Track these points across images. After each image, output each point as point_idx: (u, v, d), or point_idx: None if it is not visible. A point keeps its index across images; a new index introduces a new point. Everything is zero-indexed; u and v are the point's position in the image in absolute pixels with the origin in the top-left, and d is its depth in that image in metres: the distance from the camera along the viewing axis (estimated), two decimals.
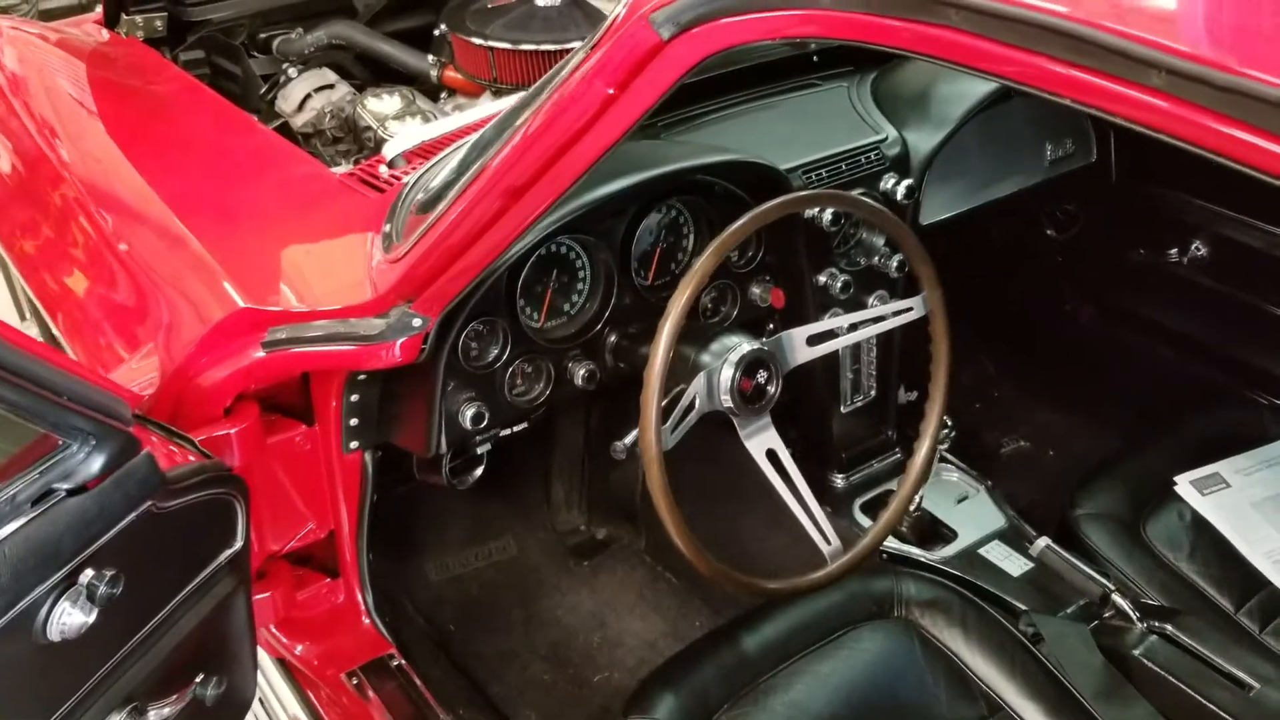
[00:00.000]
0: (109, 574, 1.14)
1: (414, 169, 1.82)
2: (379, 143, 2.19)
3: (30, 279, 2.10)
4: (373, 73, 2.62)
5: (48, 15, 4.94)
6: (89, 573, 1.14)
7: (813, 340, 1.62)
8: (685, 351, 1.58)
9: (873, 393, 2.09)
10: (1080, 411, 2.54)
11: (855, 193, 1.89)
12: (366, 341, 1.48)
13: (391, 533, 2.18)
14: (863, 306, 1.97)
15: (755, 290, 1.88)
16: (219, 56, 2.64)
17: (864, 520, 2.03)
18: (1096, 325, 2.64)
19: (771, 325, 1.95)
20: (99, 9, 2.74)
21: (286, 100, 2.46)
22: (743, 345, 1.56)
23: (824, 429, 2.08)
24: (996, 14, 0.89)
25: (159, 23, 2.58)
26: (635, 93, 1.16)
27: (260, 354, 1.53)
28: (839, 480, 2.11)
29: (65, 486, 1.14)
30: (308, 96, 2.44)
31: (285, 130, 2.41)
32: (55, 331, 2.02)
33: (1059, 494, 2.01)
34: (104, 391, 1.16)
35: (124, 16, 2.55)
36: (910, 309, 1.67)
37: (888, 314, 1.69)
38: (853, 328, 1.68)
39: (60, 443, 1.13)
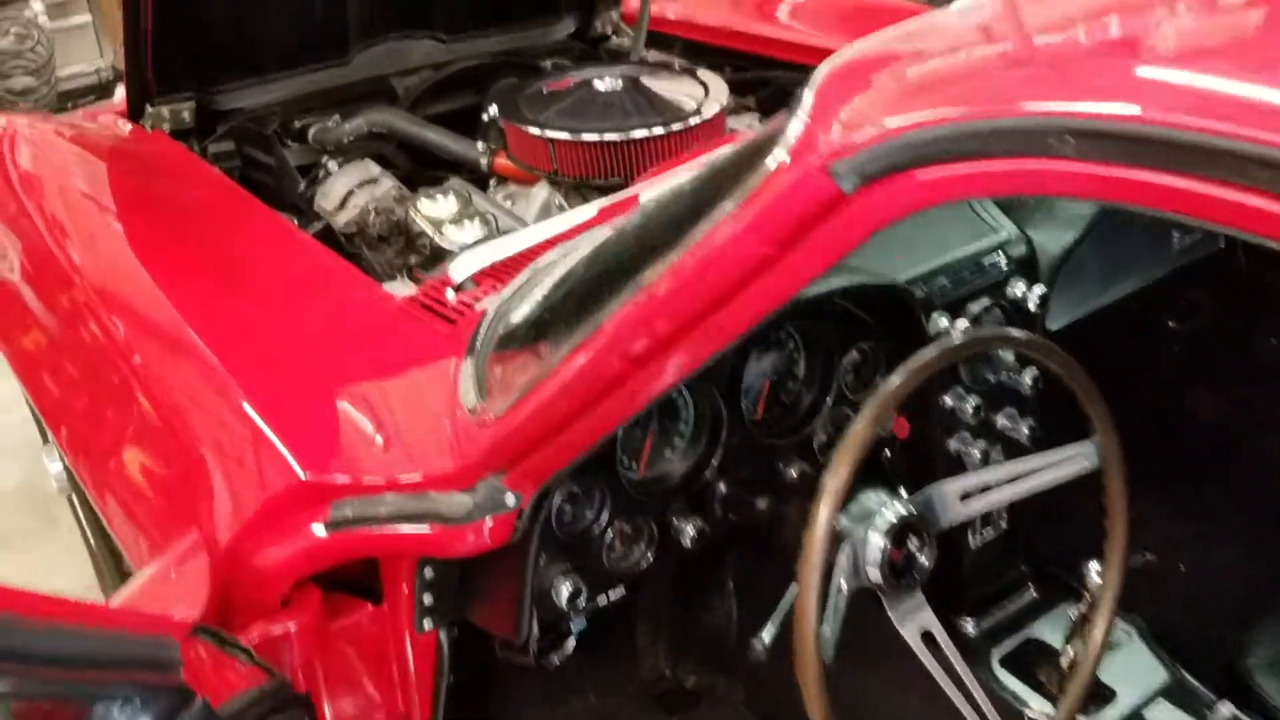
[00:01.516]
0: None
1: (485, 293, 1.60)
2: (435, 250, 1.97)
3: (50, 417, 1.88)
4: (417, 161, 2.41)
5: (66, 96, 4.79)
6: None
7: (967, 496, 1.38)
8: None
9: (1004, 524, 1.84)
10: (1208, 519, 2.29)
11: (982, 302, 1.69)
12: (449, 522, 1.25)
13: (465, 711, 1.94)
14: (992, 428, 1.74)
15: None
16: (251, 147, 2.43)
17: (1007, 679, 1.76)
18: (1222, 423, 2.39)
19: (888, 452, 1.71)
20: (118, 93, 2.53)
21: (327, 198, 2.23)
22: (889, 507, 1.31)
23: (951, 566, 1.82)
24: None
25: (186, 114, 2.37)
26: (804, 254, 0.93)
27: (322, 534, 1.31)
28: (969, 625, 1.84)
29: None
30: (349, 193, 2.22)
31: (327, 232, 2.19)
32: (76, 475, 1.81)
33: (1204, 621, 1.76)
34: (146, 639, 0.94)
35: (149, 109, 2.34)
36: (1081, 460, 1.42)
37: (1054, 462, 1.43)
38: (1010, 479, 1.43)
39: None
